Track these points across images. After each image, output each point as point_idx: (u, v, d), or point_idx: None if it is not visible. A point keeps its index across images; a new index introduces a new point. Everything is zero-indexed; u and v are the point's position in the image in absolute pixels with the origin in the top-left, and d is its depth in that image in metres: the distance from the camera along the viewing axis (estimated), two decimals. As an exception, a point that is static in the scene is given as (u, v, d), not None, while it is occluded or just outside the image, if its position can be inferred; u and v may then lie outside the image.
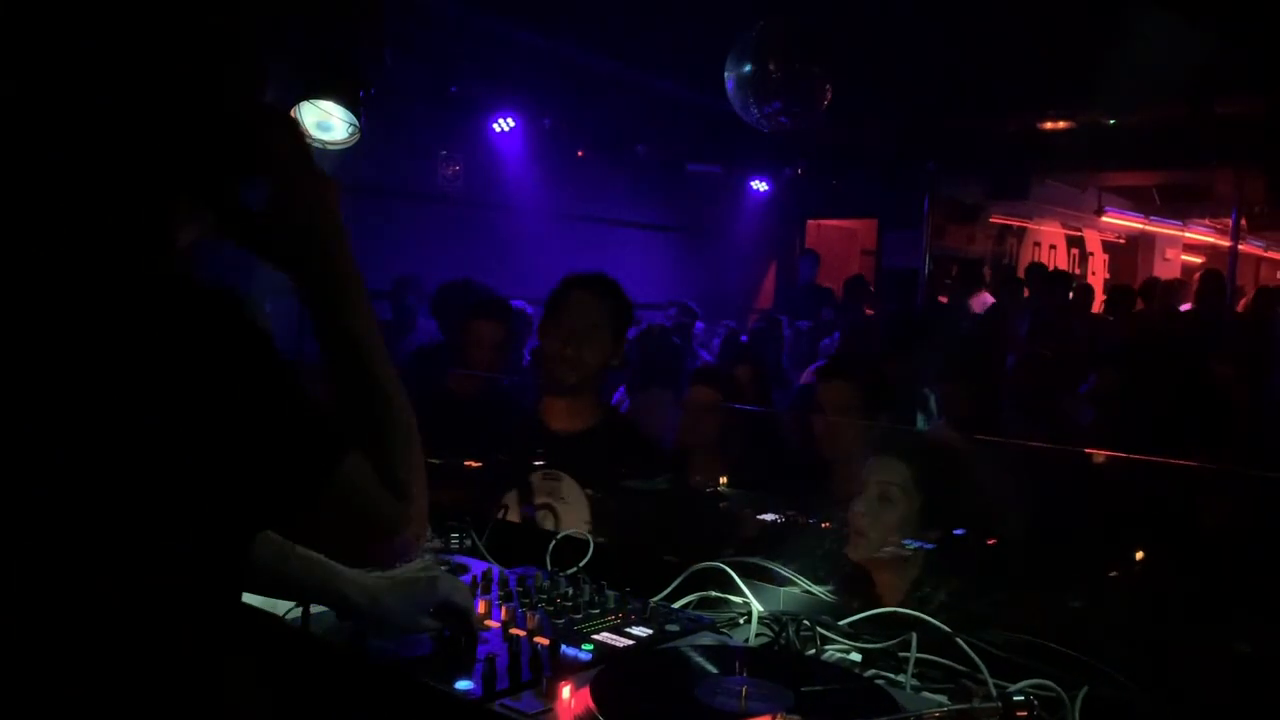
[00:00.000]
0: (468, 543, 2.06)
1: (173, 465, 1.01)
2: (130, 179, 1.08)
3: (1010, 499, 2.47)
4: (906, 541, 2.14)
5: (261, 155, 1.15)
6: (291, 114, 1.18)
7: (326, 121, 4.44)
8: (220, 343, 1.03)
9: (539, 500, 2.45)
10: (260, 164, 1.15)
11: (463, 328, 3.90)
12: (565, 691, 1.32)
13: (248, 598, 1.71)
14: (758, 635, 1.66)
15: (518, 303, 5.41)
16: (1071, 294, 8.67)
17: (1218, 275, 8.93)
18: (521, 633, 1.53)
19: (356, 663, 1.50)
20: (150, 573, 1.04)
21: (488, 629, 1.57)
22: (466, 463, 2.60)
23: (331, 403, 1.15)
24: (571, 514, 2.42)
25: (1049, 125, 7.85)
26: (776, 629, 1.63)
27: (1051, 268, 11.30)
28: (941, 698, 1.44)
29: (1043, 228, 12.27)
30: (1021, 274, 9.93)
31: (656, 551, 2.05)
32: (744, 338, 7.16)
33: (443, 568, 1.68)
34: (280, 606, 1.63)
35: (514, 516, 2.43)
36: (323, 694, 1.58)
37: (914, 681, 1.49)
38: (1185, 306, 8.70)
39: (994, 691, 1.39)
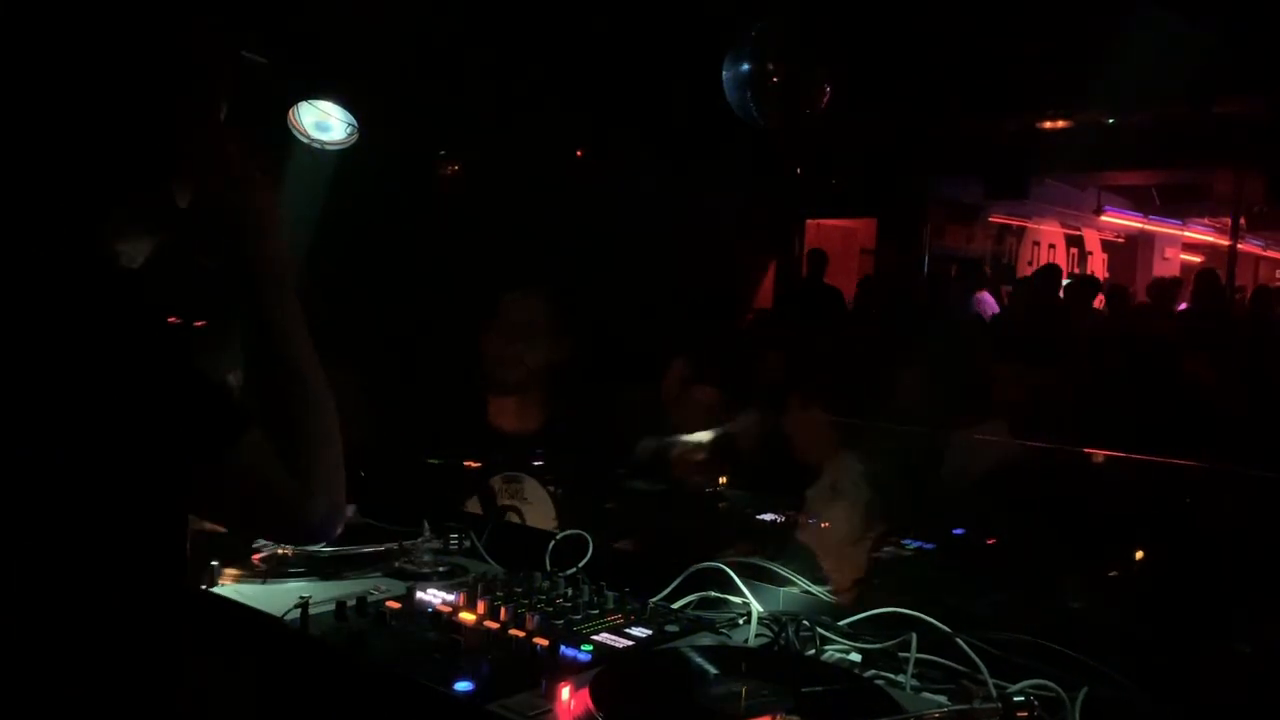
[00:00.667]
0: (467, 544, 2.06)
1: (77, 439, 1.04)
2: (56, 178, 1.11)
3: (994, 499, 2.48)
4: (906, 541, 2.14)
5: (185, 155, 1.18)
6: (219, 109, 1.20)
7: (324, 121, 4.44)
8: (120, 325, 1.07)
9: (503, 502, 2.45)
10: (184, 163, 1.18)
11: None
12: (565, 692, 1.32)
13: (250, 599, 1.71)
14: (757, 636, 1.65)
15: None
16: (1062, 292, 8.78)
17: (1213, 274, 8.94)
18: (521, 633, 1.53)
19: (355, 663, 1.49)
20: (73, 551, 1.06)
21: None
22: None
23: (248, 385, 1.20)
24: (537, 513, 2.42)
25: (1048, 124, 7.84)
26: (776, 629, 1.63)
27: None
28: (941, 698, 1.44)
29: (1042, 227, 12.28)
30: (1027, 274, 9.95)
31: (656, 552, 2.05)
32: None
33: None
34: (279, 608, 1.63)
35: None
36: (322, 695, 1.58)
37: (914, 682, 1.48)
38: (1181, 306, 8.71)
39: (994, 692, 1.39)
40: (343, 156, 4.87)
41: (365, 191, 7.10)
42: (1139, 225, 12.91)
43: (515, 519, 2.43)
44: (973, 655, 1.46)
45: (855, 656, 1.58)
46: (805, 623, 1.62)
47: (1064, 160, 8.84)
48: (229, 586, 1.76)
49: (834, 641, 1.61)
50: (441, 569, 1.92)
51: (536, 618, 1.58)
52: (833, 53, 5.05)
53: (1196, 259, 13.55)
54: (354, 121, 4.44)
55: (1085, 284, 9.44)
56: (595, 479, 2.58)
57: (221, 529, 1.55)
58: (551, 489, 2.43)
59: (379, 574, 1.90)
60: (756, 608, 1.70)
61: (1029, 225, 12.06)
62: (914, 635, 1.52)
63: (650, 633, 1.59)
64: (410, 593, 1.72)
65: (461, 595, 1.67)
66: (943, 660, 1.51)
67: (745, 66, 5.06)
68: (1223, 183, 9.96)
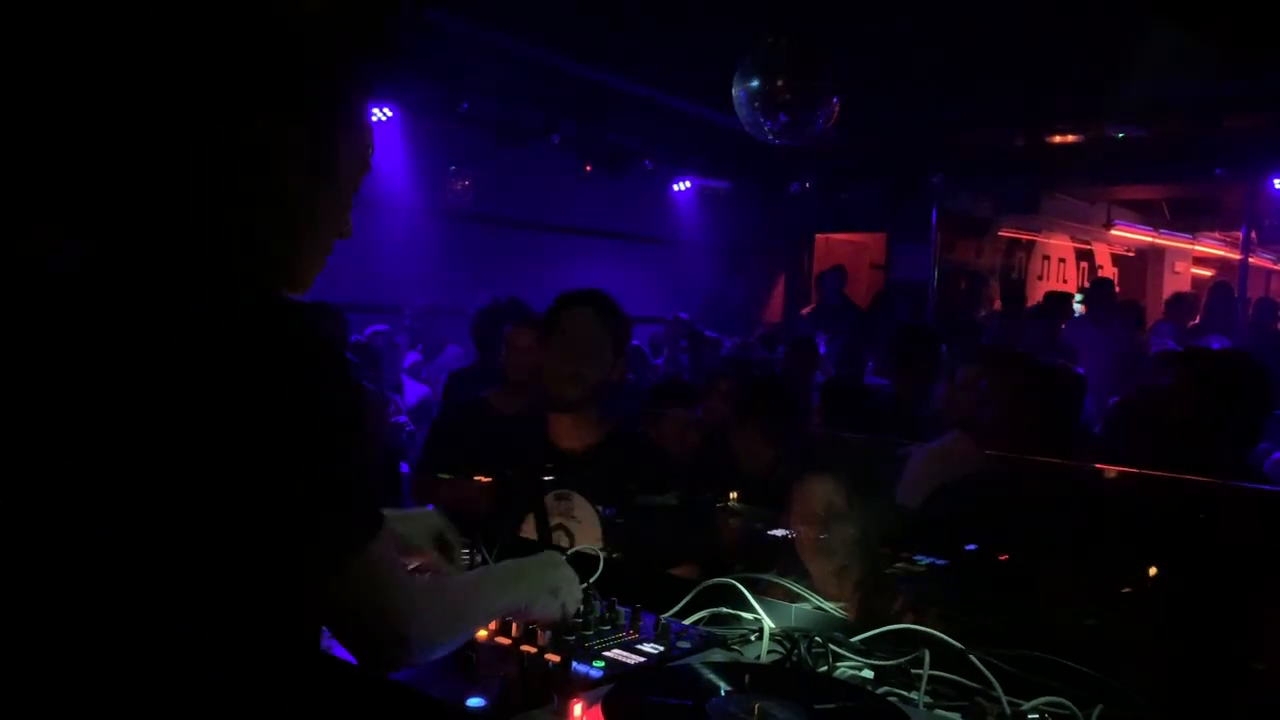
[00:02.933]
0: (479, 559, 2.05)
1: (216, 493, 1.01)
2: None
3: (1008, 514, 2.46)
4: (918, 557, 2.13)
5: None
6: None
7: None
8: (303, 389, 1.03)
9: (553, 521, 2.45)
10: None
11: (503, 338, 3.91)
12: (577, 709, 1.31)
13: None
14: (769, 652, 1.65)
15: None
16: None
17: (1226, 288, 8.91)
18: (533, 649, 1.52)
19: (367, 679, 1.49)
20: (177, 600, 1.04)
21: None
22: (479, 478, 2.60)
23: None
24: (584, 533, 2.42)
25: (1057, 139, 7.84)
26: (788, 646, 1.62)
27: (1061, 281, 11.31)
28: (955, 715, 1.43)
29: (1052, 241, 12.26)
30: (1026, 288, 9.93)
31: (668, 567, 2.05)
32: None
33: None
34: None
35: (531, 535, 2.43)
36: (332, 709, 1.57)
37: (927, 699, 1.48)
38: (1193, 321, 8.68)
39: (1008, 709, 1.38)
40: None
41: (374, 206, 7.15)
42: (1149, 239, 12.88)
43: (564, 539, 2.42)
44: (986, 672, 1.45)
45: (868, 673, 1.57)
46: (817, 639, 1.62)
47: (1073, 174, 8.84)
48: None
49: (846, 658, 1.61)
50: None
51: (548, 634, 1.57)
52: (841, 67, 5.06)
53: (1207, 273, 13.51)
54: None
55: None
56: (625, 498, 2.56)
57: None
58: (600, 508, 2.43)
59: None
60: (768, 624, 1.70)
61: (1039, 239, 12.04)
62: (927, 652, 1.51)
63: (662, 649, 1.59)
64: (422, 608, 1.72)
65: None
66: (956, 677, 1.50)
67: (753, 81, 5.08)
68: (1232, 197, 9.93)
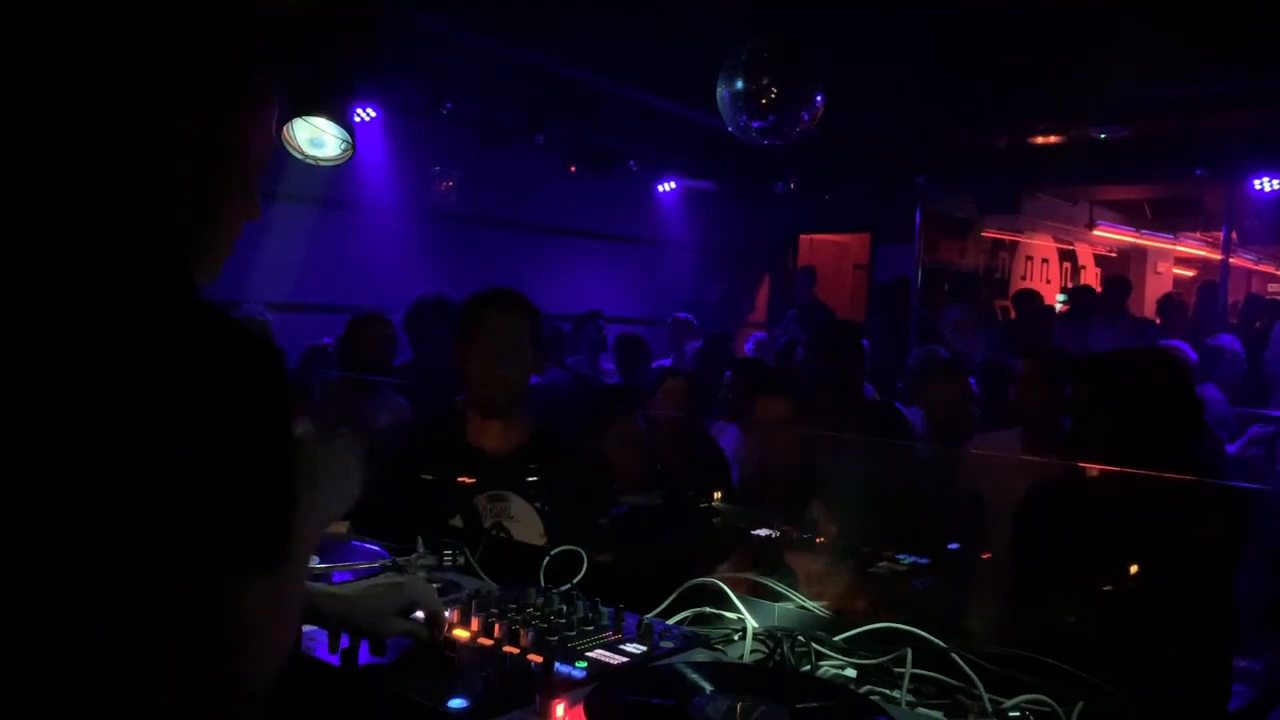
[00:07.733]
0: (461, 560, 2.05)
1: (154, 487, 0.95)
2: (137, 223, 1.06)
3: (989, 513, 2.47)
4: (901, 556, 2.14)
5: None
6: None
7: (319, 138, 4.45)
8: (244, 394, 0.98)
9: (488, 522, 2.43)
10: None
11: None
12: (559, 709, 1.31)
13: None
14: (753, 652, 1.65)
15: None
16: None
17: (1214, 288, 8.97)
18: (515, 650, 1.52)
19: (349, 681, 1.49)
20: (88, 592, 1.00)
21: (454, 639, 1.58)
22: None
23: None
24: (524, 531, 2.41)
25: (1040, 139, 7.88)
26: (771, 645, 1.62)
27: (1044, 281, 11.37)
28: (937, 714, 1.43)
29: (1034, 241, 12.31)
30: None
31: (650, 567, 2.04)
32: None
33: (412, 574, 1.69)
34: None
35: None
36: (313, 712, 1.56)
37: (909, 697, 1.48)
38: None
39: (989, 707, 1.38)
40: (336, 172, 4.88)
41: (358, 208, 7.13)
42: (1131, 239, 12.96)
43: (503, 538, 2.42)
44: (968, 670, 1.46)
45: (850, 672, 1.58)
46: (800, 638, 1.62)
47: (1055, 174, 8.89)
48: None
49: (829, 657, 1.61)
50: (436, 586, 1.91)
51: (530, 634, 1.57)
52: (825, 68, 5.07)
53: (1189, 273, 13.61)
54: (348, 137, 4.45)
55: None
56: (588, 495, 2.56)
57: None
58: (539, 506, 2.42)
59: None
60: (751, 624, 1.70)
61: (1021, 240, 12.09)
62: (909, 651, 1.52)
63: (645, 649, 1.58)
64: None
65: (455, 612, 1.66)
66: (938, 675, 1.50)
67: (738, 82, 5.08)
68: (1213, 197, 10.00)
